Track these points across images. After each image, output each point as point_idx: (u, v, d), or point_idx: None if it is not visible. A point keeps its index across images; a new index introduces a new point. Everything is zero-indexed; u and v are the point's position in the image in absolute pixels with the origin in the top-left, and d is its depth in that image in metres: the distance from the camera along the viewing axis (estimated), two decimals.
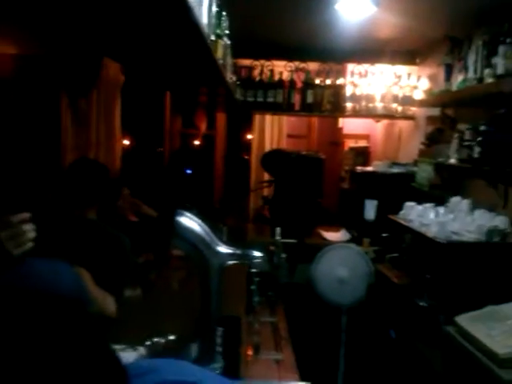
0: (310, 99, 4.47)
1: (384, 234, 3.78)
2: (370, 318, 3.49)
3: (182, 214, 1.93)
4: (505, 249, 2.67)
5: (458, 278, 2.66)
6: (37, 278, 1.08)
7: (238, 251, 1.97)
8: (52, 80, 2.93)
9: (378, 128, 5.07)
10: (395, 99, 4.43)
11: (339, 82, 4.51)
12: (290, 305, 2.89)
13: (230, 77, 3.37)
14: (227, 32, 2.65)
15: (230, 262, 1.96)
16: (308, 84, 4.48)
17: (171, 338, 1.95)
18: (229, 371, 1.77)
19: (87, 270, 1.75)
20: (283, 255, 2.30)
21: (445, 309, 2.59)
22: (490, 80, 2.81)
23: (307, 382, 1.89)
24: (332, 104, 4.48)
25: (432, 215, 3.11)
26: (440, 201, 3.32)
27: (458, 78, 3.28)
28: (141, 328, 1.97)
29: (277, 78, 4.49)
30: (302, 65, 4.48)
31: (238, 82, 4.19)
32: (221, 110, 5.23)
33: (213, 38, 2.16)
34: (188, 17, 1.56)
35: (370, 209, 3.95)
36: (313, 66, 4.54)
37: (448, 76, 3.51)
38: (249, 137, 5.42)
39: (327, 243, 3.70)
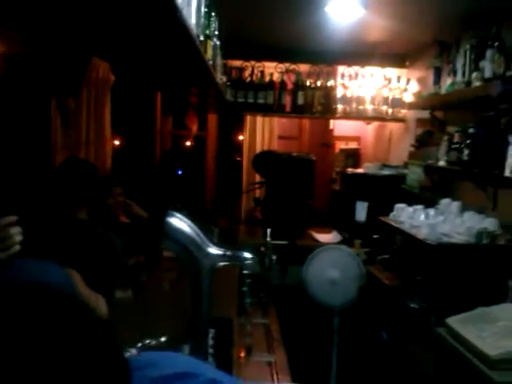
0: (300, 101, 4.47)
1: (375, 236, 3.80)
2: (362, 320, 3.49)
3: (172, 215, 1.92)
4: (494, 251, 2.68)
5: (448, 280, 2.67)
6: (26, 278, 1.06)
7: (229, 253, 1.96)
8: (40, 79, 2.91)
9: (368, 130, 5.09)
10: (385, 101, 4.45)
11: (330, 83, 4.52)
12: (282, 306, 2.88)
13: (220, 77, 3.37)
14: (217, 33, 2.65)
15: (221, 264, 1.95)
16: (299, 85, 4.48)
17: (163, 339, 1.93)
18: None
19: (78, 271, 1.73)
20: (274, 257, 2.30)
21: (435, 310, 2.60)
22: (477, 83, 2.84)
23: None
24: (323, 106, 4.49)
25: (422, 217, 3.13)
26: (430, 203, 3.34)
27: (446, 81, 3.31)
28: (132, 330, 1.95)
29: (267, 79, 4.49)
30: (293, 66, 4.48)
31: (229, 83, 4.18)
32: (212, 111, 5.22)
33: (202, 38, 2.16)
34: (176, 17, 1.56)
35: (361, 210, 3.96)
36: (303, 67, 4.55)
37: (437, 79, 3.54)
38: (240, 138, 5.42)
39: (318, 245, 3.69)
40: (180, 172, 5.44)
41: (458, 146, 3.01)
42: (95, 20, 1.87)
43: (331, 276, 3.19)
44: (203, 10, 2.14)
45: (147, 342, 1.88)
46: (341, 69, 4.61)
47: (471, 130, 2.88)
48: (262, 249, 2.24)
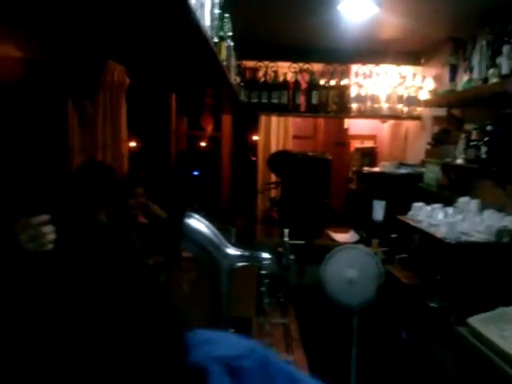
0: (315, 100, 4.46)
1: (393, 235, 3.77)
2: (381, 319, 3.47)
3: (190, 216, 1.93)
4: None
5: (468, 279, 2.64)
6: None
7: (247, 253, 1.96)
8: (57, 83, 2.94)
9: (384, 128, 5.05)
10: (400, 100, 4.42)
11: (344, 82, 4.50)
12: (301, 306, 2.88)
13: (235, 78, 3.37)
14: (230, 34, 2.65)
15: (240, 264, 1.95)
16: (313, 85, 4.48)
17: None
18: None
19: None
20: (292, 257, 2.29)
21: (455, 310, 2.58)
22: (494, 80, 2.81)
23: None
24: (337, 105, 4.47)
25: (441, 216, 3.10)
26: (448, 201, 3.31)
27: (463, 78, 3.28)
28: None
29: (281, 79, 4.48)
30: (306, 66, 4.47)
31: (243, 84, 4.19)
32: (226, 112, 5.23)
33: (216, 39, 2.17)
34: (190, 19, 1.57)
35: (379, 209, 3.93)
36: (317, 66, 4.53)
37: (453, 76, 3.51)
38: (254, 138, 5.41)
39: (336, 244, 3.68)
40: (196, 173, 5.46)
41: (475, 143, 2.98)
42: (110, 23, 1.88)
43: (349, 275, 3.18)
44: (217, 11, 2.15)
45: None
46: (355, 67, 4.59)
47: (489, 128, 2.85)
48: (280, 249, 2.24)
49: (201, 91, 4.05)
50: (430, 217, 3.16)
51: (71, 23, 1.97)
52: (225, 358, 0.62)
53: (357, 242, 3.96)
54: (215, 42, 2.14)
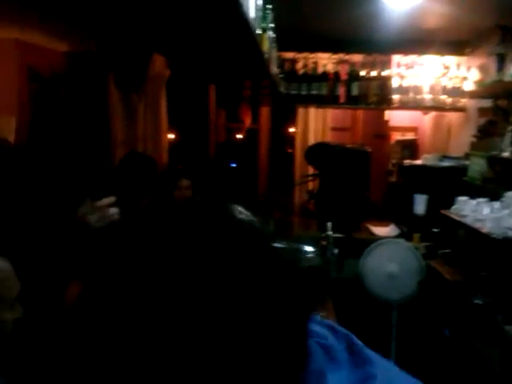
0: (355, 91, 4.40)
1: (435, 230, 3.69)
2: (423, 315, 3.41)
3: (234, 208, 1.92)
4: None
5: None
6: None
7: (291, 245, 1.95)
8: (106, 76, 2.99)
9: (425, 120, 4.94)
10: (444, 90, 4.32)
11: (385, 73, 4.42)
12: (339, 299, 2.85)
13: (275, 70, 3.35)
14: (272, 25, 2.63)
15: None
16: (353, 76, 4.42)
17: None
18: None
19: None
20: (335, 250, 2.27)
21: (502, 307, 2.50)
22: None
23: None
24: (378, 96, 4.40)
25: (487, 210, 3.01)
26: (493, 195, 3.20)
27: (510, 69, 3.17)
28: None
29: (321, 70, 4.44)
30: (347, 57, 4.41)
31: (282, 75, 4.16)
32: (265, 104, 5.21)
33: (259, 31, 2.16)
34: (238, 11, 1.57)
35: (420, 203, 3.85)
36: (357, 57, 4.47)
37: (500, 66, 3.39)
38: (291, 130, 5.38)
39: (375, 238, 3.63)
40: (234, 164, 5.47)
41: None
42: (160, 17, 1.90)
43: (389, 270, 3.13)
44: (260, 2, 2.14)
45: None
46: (396, 58, 4.49)
47: None
48: (324, 242, 2.22)
49: (240, 83, 4.05)
50: (475, 211, 3.07)
51: (121, 15, 1.99)
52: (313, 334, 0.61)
53: (397, 236, 3.89)
54: (258, 34, 2.13)
